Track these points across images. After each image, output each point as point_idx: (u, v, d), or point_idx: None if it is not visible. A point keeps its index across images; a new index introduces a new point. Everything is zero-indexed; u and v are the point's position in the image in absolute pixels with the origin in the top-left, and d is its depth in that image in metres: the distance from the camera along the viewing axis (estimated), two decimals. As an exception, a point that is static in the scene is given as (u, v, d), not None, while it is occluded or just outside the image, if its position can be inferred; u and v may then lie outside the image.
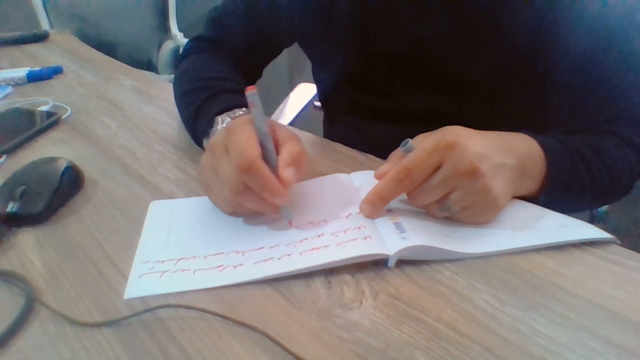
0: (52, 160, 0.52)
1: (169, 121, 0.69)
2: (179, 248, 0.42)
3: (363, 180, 0.49)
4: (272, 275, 0.38)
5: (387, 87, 0.62)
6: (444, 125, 0.42)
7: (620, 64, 0.51)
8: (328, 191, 0.49)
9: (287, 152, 0.42)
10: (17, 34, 1.16)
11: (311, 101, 1.20)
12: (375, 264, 0.39)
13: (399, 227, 0.41)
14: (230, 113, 0.53)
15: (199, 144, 0.57)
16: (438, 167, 0.39)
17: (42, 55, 1.07)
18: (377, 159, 0.56)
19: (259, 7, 0.67)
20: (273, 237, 0.42)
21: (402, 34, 0.57)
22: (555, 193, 0.47)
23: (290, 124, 1.12)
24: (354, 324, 0.34)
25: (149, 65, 1.95)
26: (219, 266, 0.39)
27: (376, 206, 0.42)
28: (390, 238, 0.40)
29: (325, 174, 0.52)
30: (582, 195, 0.50)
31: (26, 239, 0.44)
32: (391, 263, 0.39)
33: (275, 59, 0.76)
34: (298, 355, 0.31)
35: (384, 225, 0.42)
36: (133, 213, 0.47)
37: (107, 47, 1.71)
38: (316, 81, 0.75)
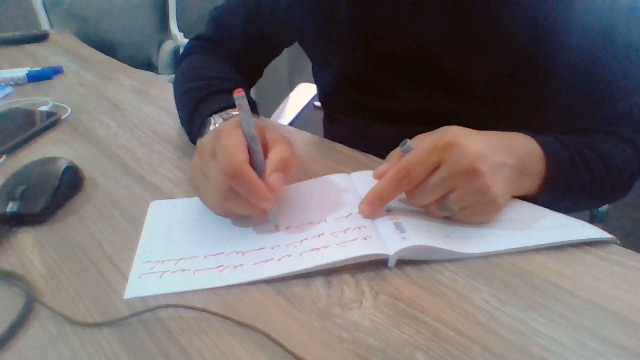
0: (52, 160, 0.52)
1: (169, 121, 0.69)
2: (179, 248, 0.42)
3: (363, 180, 0.49)
4: (272, 277, 0.38)
5: (387, 87, 0.62)
6: (444, 125, 0.42)
7: (620, 65, 0.51)
8: (328, 191, 0.49)
9: (275, 156, 0.42)
10: (17, 34, 1.16)
11: (311, 101, 1.20)
12: (375, 264, 0.39)
13: (399, 227, 0.41)
14: (224, 114, 0.53)
15: (195, 144, 0.57)
16: (437, 167, 0.40)
17: (42, 55, 1.07)
18: (377, 159, 0.56)
19: (259, 7, 0.67)
20: (273, 237, 0.42)
21: (402, 34, 0.57)
22: (555, 193, 0.47)
23: (290, 124, 1.12)
24: (354, 324, 0.34)
25: (149, 66, 1.95)
26: (219, 266, 0.39)
27: (375, 206, 0.42)
28: (390, 238, 0.40)
29: (325, 174, 0.52)
30: (582, 195, 0.50)
31: (26, 239, 0.44)
32: (391, 263, 0.39)
33: (275, 59, 0.76)
34: (298, 355, 0.31)
35: (384, 225, 0.42)
36: (133, 213, 0.47)
37: (107, 47, 1.71)
38: (316, 81, 0.75)
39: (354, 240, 0.40)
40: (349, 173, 0.52)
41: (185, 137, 0.62)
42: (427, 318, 0.34)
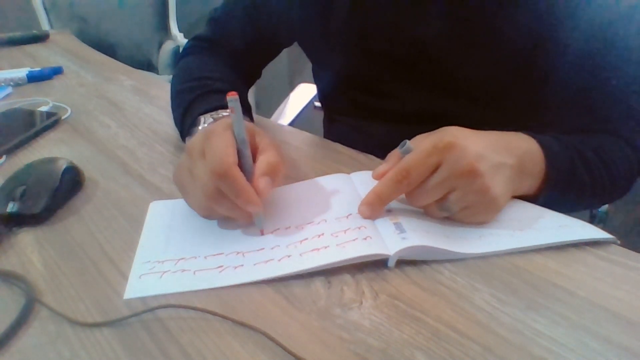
0: (52, 160, 0.52)
1: (169, 121, 0.69)
2: (179, 248, 0.42)
3: (363, 180, 0.49)
4: (273, 278, 0.38)
5: (387, 88, 0.62)
6: (444, 125, 0.43)
7: (619, 65, 0.51)
8: (328, 191, 0.49)
9: (264, 161, 0.42)
10: (17, 34, 1.16)
11: (311, 101, 1.20)
12: (375, 264, 0.39)
13: (398, 227, 0.41)
14: (214, 114, 0.53)
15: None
16: (436, 168, 0.39)
17: (42, 56, 1.07)
18: (377, 159, 0.56)
19: (258, 7, 0.67)
20: (273, 237, 0.42)
21: (402, 34, 0.57)
22: (555, 192, 0.47)
23: (290, 124, 1.12)
24: (354, 324, 0.34)
25: (149, 66, 1.95)
26: (219, 267, 0.39)
27: (375, 207, 0.42)
28: (390, 238, 0.40)
29: (325, 174, 0.52)
30: (582, 195, 0.50)
31: (26, 239, 0.44)
32: (391, 263, 0.39)
33: (275, 59, 0.76)
34: (298, 355, 0.31)
35: (384, 225, 0.42)
36: (133, 213, 0.47)
37: (107, 47, 1.72)
38: (316, 81, 0.75)
39: (354, 240, 0.40)
40: (349, 173, 0.52)
41: (185, 137, 0.62)
42: (427, 318, 0.34)
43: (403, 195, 0.43)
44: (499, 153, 0.41)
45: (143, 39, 1.93)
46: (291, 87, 1.29)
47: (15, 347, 0.33)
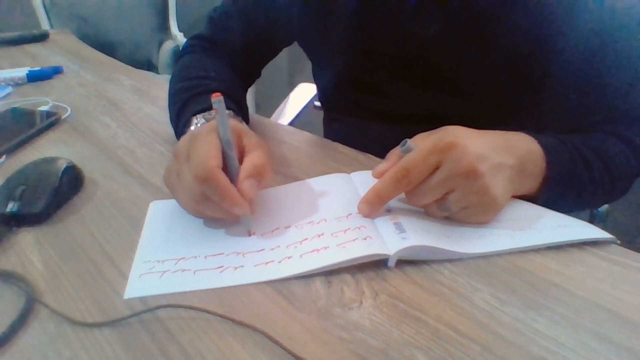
0: (52, 160, 0.52)
1: (168, 121, 0.69)
2: (179, 248, 0.42)
3: (363, 180, 0.49)
4: (273, 279, 0.38)
5: (387, 88, 0.62)
6: (443, 125, 0.42)
7: (617, 65, 0.51)
8: (328, 191, 0.49)
9: (249, 162, 0.42)
10: (17, 34, 1.16)
11: (311, 101, 1.20)
12: (375, 264, 0.39)
13: (398, 227, 0.41)
14: (207, 114, 0.53)
15: None
16: (436, 168, 0.39)
17: (42, 55, 1.07)
18: (377, 159, 0.56)
19: (258, 6, 0.67)
20: (273, 238, 0.42)
21: (401, 34, 0.57)
22: (555, 192, 0.47)
23: (290, 124, 1.12)
24: (354, 324, 0.34)
25: (149, 65, 1.95)
26: (219, 267, 0.39)
27: (374, 206, 0.42)
28: (390, 238, 0.40)
29: (325, 174, 0.52)
30: (582, 195, 0.50)
31: (26, 239, 0.44)
32: (391, 263, 0.39)
33: (275, 59, 0.76)
34: (298, 355, 0.31)
35: (384, 225, 0.42)
36: (133, 213, 0.47)
37: (107, 47, 1.71)
38: (316, 81, 0.75)
39: (354, 240, 0.40)
40: (349, 173, 0.52)
41: (185, 137, 0.62)
42: (427, 318, 0.34)
43: (403, 195, 0.43)
44: (500, 153, 0.41)
45: (143, 38, 1.93)
46: (291, 87, 1.29)
47: (15, 347, 0.33)
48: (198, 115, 0.53)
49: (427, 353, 0.31)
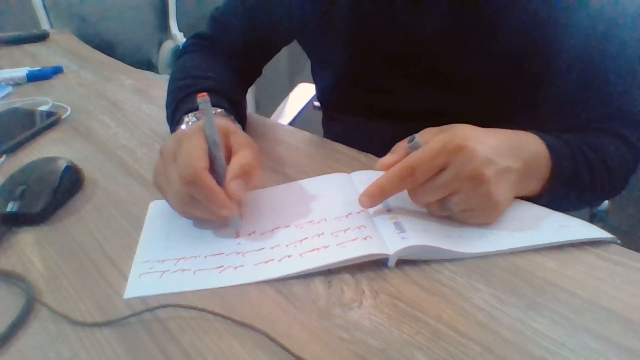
0: (52, 160, 0.52)
1: (168, 121, 0.69)
2: (179, 248, 0.42)
3: (363, 180, 0.49)
4: (273, 278, 0.38)
5: (386, 85, 0.62)
6: (442, 123, 0.42)
7: (615, 63, 0.51)
8: (328, 190, 0.49)
9: (236, 162, 0.41)
10: (17, 34, 1.16)
11: (311, 101, 1.20)
12: (375, 264, 0.39)
13: (398, 227, 0.41)
14: (197, 113, 0.53)
15: None
16: (442, 169, 0.39)
17: (42, 55, 1.07)
18: (377, 159, 0.56)
19: (258, 5, 0.67)
20: (273, 237, 0.42)
21: (400, 32, 0.57)
22: (557, 194, 0.47)
23: (290, 124, 1.12)
24: (354, 324, 0.34)
25: (149, 65, 1.95)
26: (219, 267, 0.39)
27: (375, 200, 0.42)
28: (390, 238, 0.40)
29: (325, 174, 0.52)
30: (583, 195, 0.50)
31: (26, 239, 0.44)
32: (391, 263, 0.39)
33: (275, 59, 0.76)
34: (298, 355, 0.31)
35: (384, 225, 0.42)
36: (133, 213, 0.47)
37: (107, 47, 1.71)
38: (315, 79, 0.75)
39: (354, 240, 0.40)
40: (349, 173, 0.52)
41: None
42: (427, 318, 0.34)
43: (403, 194, 0.43)
44: (507, 156, 0.41)
45: (143, 38, 1.93)
46: (291, 86, 1.29)
47: (15, 347, 0.33)
48: (190, 114, 0.53)
49: (427, 353, 0.31)
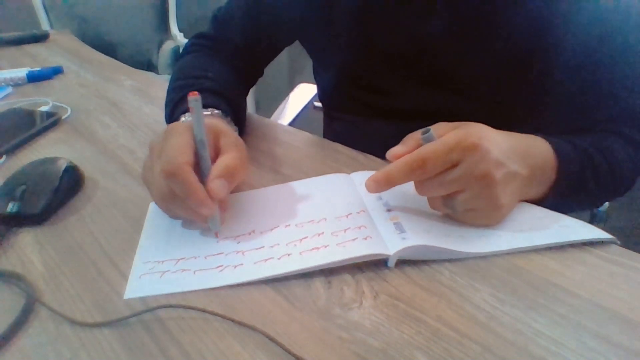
0: (52, 160, 0.52)
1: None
2: (179, 248, 0.42)
3: (363, 180, 0.49)
4: (273, 276, 0.38)
5: (387, 85, 0.62)
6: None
7: (618, 63, 0.51)
8: (328, 190, 0.49)
9: (221, 163, 0.41)
10: (17, 34, 1.16)
11: (311, 101, 1.20)
12: (375, 264, 0.39)
13: (398, 227, 0.41)
14: None
15: None
16: (453, 165, 0.39)
17: (42, 55, 1.07)
18: (377, 159, 0.56)
19: (260, 5, 0.67)
20: (273, 236, 0.42)
21: (402, 32, 0.57)
22: (561, 198, 0.47)
23: (290, 124, 1.12)
24: (354, 324, 0.34)
25: (149, 66, 1.95)
26: (219, 266, 0.39)
27: (382, 187, 0.41)
28: (390, 238, 0.40)
29: (325, 174, 0.52)
30: (587, 198, 0.50)
31: (26, 239, 0.44)
32: (391, 263, 0.39)
33: (275, 59, 0.76)
34: (298, 355, 0.31)
35: (384, 225, 0.42)
36: (133, 213, 0.47)
37: (107, 47, 1.71)
38: (316, 79, 0.75)
39: (354, 240, 0.40)
40: (349, 173, 0.52)
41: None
42: (427, 318, 0.34)
43: (404, 194, 0.43)
44: (516, 161, 0.41)
45: (143, 39, 1.93)
46: (291, 86, 1.29)
47: (15, 347, 0.33)
48: (186, 114, 0.53)
49: (427, 353, 0.31)
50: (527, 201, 0.46)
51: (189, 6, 2.04)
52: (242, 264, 0.39)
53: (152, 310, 0.35)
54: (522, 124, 0.48)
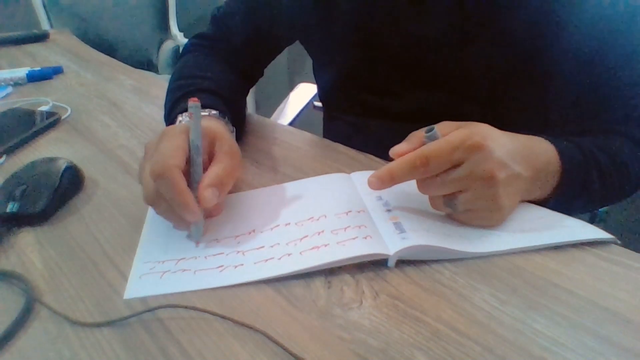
0: (52, 160, 0.52)
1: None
2: (180, 248, 0.42)
3: (363, 180, 0.49)
4: (273, 277, 0.38)
5: (388, 85, 0.62)
6: None
7: (622, 63, 0.51)
8: (327, 189, 0.49)
9: (214, 171, 0.41)
10: (17, 34, 1.16)
11: (311, 101, 1.20)
12: (375, 264, 0.39)
13: (398, 227, 0.41)
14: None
15: None
16: (457, 164, 0.39)
17: (42, 55, 1.07)
18: (378, 159, 0.56)
19: (260, 5, 0.67)
20: (273, 235, 0.42)
21: (403, 32, 0.57)
22: (563, 200, 0.46)
23: (290, 124, 1.12)
24: (354, 324, 0.34)
25: (149, 65, 1.95)
26: (220, 266, 0.39)
27: (384, 183, 0.41)
28: (390, 238, 0.40)
29: (325, 174, 0.52)
30: (591, 200, 0.50)
31: (26, 239, 0.44)
32: (391, 263, 0.39)
33: (275, 59, 0.76)
34: (298, 355, 0.31)
35: (384, 225, 0.42)
36: (133, 213, 0.47)
37: (107, 47, 1.71)
38: (317, 79, 0.75)
39: (354, 239, 0.40)
40: (348, 173, 0.52)
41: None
42: (427, 318, 0.34)
43: (404, 194, 0.43)
44: (519, 162, 0.41)
45: (143, 38, 1.93)
46: (291, 86, 1.29)
47: (15, 347, 0.33)
48: (183, 114, 0.53)
49: (427, 353, 0.31)
50: (529, 202, 0.46)
51: (189, 6, 2.04)
52: (242, 264, 0.39)
53: (152, 310, 0.35)
54: (525, 125, 0.48)
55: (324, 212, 0.44)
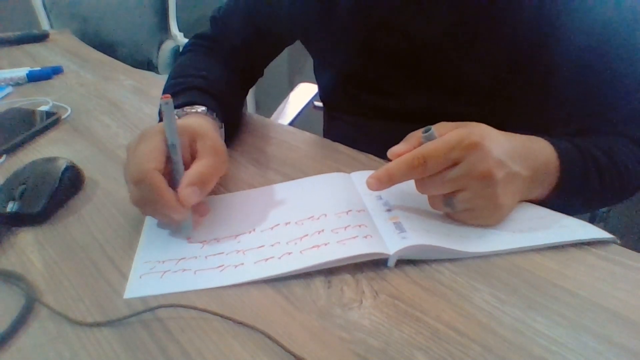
0: (52, 160, 0.52)
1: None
2: (180, 248, 0.42)
3: (363, 180, 0.49)
4: (273, 276, 0.38)
5: (388, 85, 0.62)
6: None
7: (622, 64, 0.51)
8: (327, 189, 0.49)
9: (195, 169, 0.41)
10: (17, 34, 1.16)
11: (311, 101, 1.20)
12: (375, 264, 0.39)
13: (398, 227, 0.41)
14: (180, 111, 0.52)
15: None
16: (454, 164, 0.39)
17: (42, 55, 1.07)
18: (378, 159, 0.56)
19: (259, 5, 0.67)
20: (273, 234, 0.42)
21: (404, 32, 0.57)
22: (563, 200, 0.46)
23: (290, 124, 1.12)
24: (354, 324, 0.34)
25: (149, 65, 1.95)
26: (220, 266, 0.39)
27: (383, 184, 0.41)
28: (390, 238, 0.40)
29: (325, 174, 0.52)
30: (591, 201, 0.50)
31: (26, 239, 0.44)
32: (391, 263, 0.39)
33: (275, 59, 0.76)
34: (298, 355, 0.31)
35: (384, 224, 0.42)
36: (133, 213, 0.47)
37: (107, 47, 1.71)
38: (317, 78, 0.75)
39: (354, 238, 0.40)
40: (349, 173, 0.52)
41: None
42: (427, 318, 0.34)
43: (404, 194, 0.43)
44: (518, 162, 0.41)
45: (143, 38, 1.93)
46: (291, 86, 1.29)
47: (15, 347, 0.33)
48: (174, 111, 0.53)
49: (427, 353, 0.31)
50: (528, 201, 0.46)
51: (188, 6, 2.04)
52: (242, 264, 0.39)
53: (152, 310, 0.35)
54: (524, 126, 0.48)
55: (324, 211, 0.44)
